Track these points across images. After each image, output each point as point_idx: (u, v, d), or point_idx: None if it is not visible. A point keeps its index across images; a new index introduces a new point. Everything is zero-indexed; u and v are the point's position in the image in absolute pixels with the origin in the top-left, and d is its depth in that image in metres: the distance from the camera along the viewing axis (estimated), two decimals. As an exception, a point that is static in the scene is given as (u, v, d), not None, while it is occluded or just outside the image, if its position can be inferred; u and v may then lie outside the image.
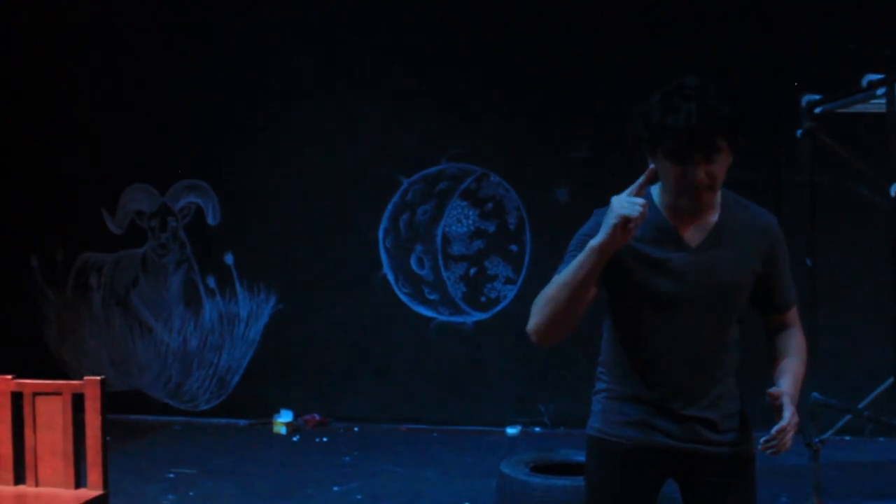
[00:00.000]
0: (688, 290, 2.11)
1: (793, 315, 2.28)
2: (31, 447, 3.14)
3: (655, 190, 2.16)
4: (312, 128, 6.33)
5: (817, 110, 4.53)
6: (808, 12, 5.74)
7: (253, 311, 6.40)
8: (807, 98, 4.52)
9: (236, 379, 6.47)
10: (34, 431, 3.17)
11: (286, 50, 6.33)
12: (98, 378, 3.12)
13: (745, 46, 5.66)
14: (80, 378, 3.16)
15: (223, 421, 6.37)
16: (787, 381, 2.13)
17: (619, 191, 2.06)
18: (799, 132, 4.52)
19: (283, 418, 6.08)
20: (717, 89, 2.02)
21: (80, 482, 3.08)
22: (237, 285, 6.40)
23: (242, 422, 6.31)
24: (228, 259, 6.39)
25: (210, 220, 6.40)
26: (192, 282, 6.45)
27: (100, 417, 3.11)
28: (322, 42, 6.31)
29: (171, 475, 5.01)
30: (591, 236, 2.03)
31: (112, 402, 6.39)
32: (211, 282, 6.42)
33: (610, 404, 2.24)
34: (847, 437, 5.44)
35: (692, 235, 2.12)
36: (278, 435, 6.00)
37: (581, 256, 2.02)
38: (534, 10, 6.02)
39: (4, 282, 6.62)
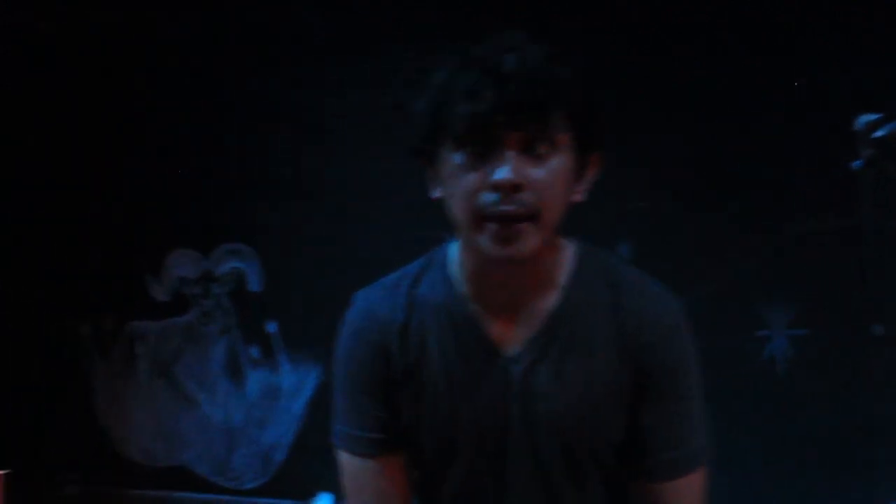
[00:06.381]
0: (498, 437, 1.29)
1: (678, 495, 1.28)
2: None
3: (454, 251, 1.41)
4: (358, 190, 5.88)
5: (878, 133, 3.69)
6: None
7: (297, 384, 5.97)
8: (864, 119, 3.69)
9: (280, 457, 6.03)
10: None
11: (330, 104, 5.94)
12: (1, 472, 2.73)
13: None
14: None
15: (266, 501, 5.95)
16: None
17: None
18: (857, 163, 3.68)
19: (321, 502, 5.58)
20: (549, 49, 1.22)
21: None
22: (281, 356, 5.99)
23: (283, 503, 5.86)
24: (271, 328, 6.00)
25: (252, 287, 6.03)
26: (235, 352, 6.09)
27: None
28: (368, 98, 5.88)
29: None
30: (362, 370, 1.31)
31: (158, 478, 6.15)
32: (254, 352, 6.04)
33: None
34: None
35: (508, 336, 1.31)
36: (313, 521, 5.51)
37: None
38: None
39: (57, 350, 6.47)
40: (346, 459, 1.46)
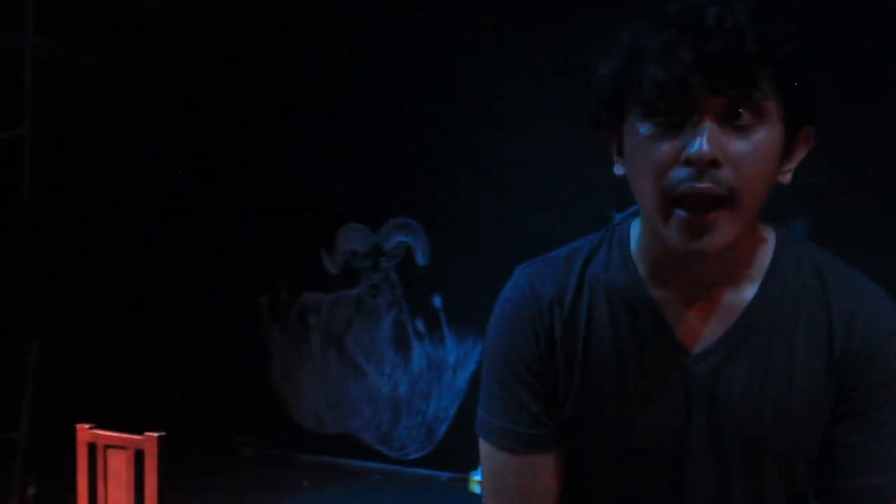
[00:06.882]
0: (676, 443, 1.13)
1: None
2: (103, 502, 2.99)
3: (636, 230, 1.18)
4: (525, 167, 5.86)
5: None
6: None
7: (461, 358, 6.04)
8: None
9: (443, 429, 6.13)
10: (105, 485, 3.00)
11: (499, 83, 5.95)
12: (156, 435, 2.89)
13: None
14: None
15: (427, 472, 6.05)
16: None
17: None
18: None
19: (480, 476, 5.62)
20: (758, 3, 1.00)
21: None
22: (445, 330, 6.07)
23: (444, 474, 5.94)
24: (436, 302, 6.09)
25: (419, 261, 6.14)
26: (402, 325, 6.22)
27: (156, 476, 2.86)
28: (536, 75, 5.86)
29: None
30: (523, 347, 1.16)
31: (328, 444, 6.36)
32: (420, 325, 6.15)
33: None
34: None
35: (694, 330, 1.12)
36: (472, 494, 5.55)
37: None
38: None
39: (237, 320, 6.81)
40: (488, 452, 1.24)
